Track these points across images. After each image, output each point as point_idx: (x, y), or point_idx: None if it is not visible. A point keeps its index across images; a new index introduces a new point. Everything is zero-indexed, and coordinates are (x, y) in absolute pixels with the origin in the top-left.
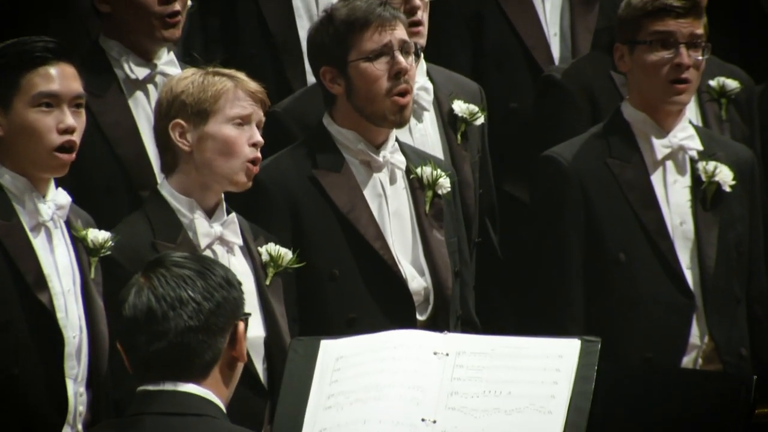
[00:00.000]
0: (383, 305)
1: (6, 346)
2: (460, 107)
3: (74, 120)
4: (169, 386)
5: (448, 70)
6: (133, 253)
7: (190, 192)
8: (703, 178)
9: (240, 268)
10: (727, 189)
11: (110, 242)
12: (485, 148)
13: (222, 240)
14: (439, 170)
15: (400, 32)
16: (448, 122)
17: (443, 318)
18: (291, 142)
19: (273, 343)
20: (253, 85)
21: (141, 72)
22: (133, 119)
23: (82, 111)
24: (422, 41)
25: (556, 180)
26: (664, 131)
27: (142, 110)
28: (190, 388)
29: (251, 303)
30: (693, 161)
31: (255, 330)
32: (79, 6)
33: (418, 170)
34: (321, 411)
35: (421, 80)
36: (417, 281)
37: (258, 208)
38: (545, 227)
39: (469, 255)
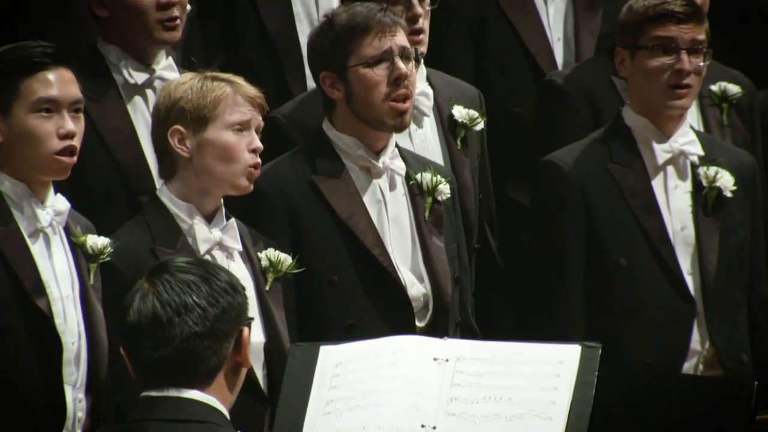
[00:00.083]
0: (382, 312)
1: (4, 352)
2: (460, 113)
3: (74, 125)
4: (173, 392)
5: (448, 75)
6: (132, 258)
7: (189, 197)
8: (704, 183)
9: (239, 273)
10: (728, 194)
11: (109, 248)
12: (484, 154)
13: (221, 245)
14: (438, 176)
15: (401, 38)
16: (448, 128)
17: (442, 324)
18: (291, 148)
19: (273, 349)
20: (251, 91)
21: (139, 77)
22: (132, 124)
23: (81, 116)
24: (423, 49)
25: (557, 185)
26: (665, 136)
27: (141, 115)
28: (194, 394)
29: (251, 309)
30: (694, 166)
31: (255, 336)
32: (77, 10)
33: (418, 176)
34: (320, 417)
35: (421, 85)
36: (416, 288)
37: (257, 214)
38: (546, 232)
39: (468, 261)
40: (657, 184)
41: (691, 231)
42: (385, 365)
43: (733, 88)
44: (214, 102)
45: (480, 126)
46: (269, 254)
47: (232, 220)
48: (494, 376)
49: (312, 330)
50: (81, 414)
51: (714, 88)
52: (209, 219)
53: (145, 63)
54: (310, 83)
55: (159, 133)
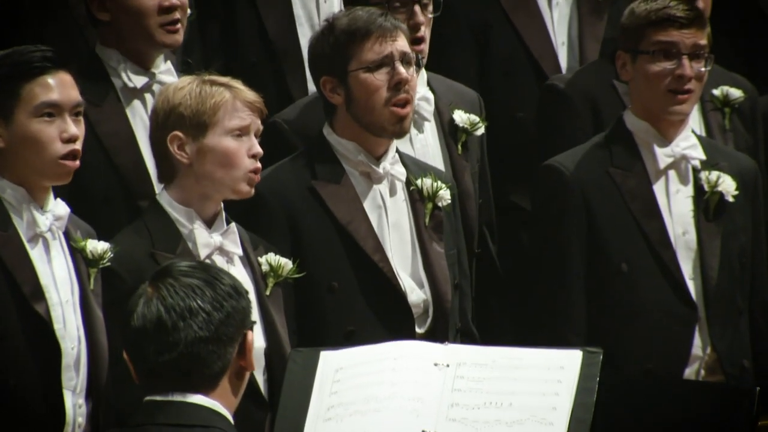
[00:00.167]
0: (382, 318)
1: (3, 358)
2: (460, 117)
3: (75, 128)
4: (177, 397)
5: (449, 80)
6: (132, 263)
7: (189, 202)
8: (706, 187)
9: (240, 278)
10: (730, 199)
11: (109, 253)
12: (484, 158)
13: (222, 250)
14: (439, 182)
15: (402, 43)
16: (449, 132)
17: (442, 330)
18: (292, 153)
19: (274, 354)
20: (250, 95)
21: (139, 80)
22: (131, 128)
23: (82, 119)
24: (423, 55)
25: (558, 189)
26: (666, 140)
27: (140, 119)
28: (198, 399)
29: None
30: (696, 171)
31: (256, 341)
32: (76, 14)
33: (418, 182)
34: (320, 422)
35: (422, 90)
36: (416, 293)
37: (257, 219)
38: (546, 236)
39: (469, 266)
40: (658, 188)
41: (692, 236)
42: (385, 371)
43: (736, 93)
44: (213, 108)
45: (481, 131)
46: (270, 259)
47: (233, 224)
48: (495, 382)
49: (311, 336)
50: (81, 419)
51: (716, 92)
52: (209, 223)
53: (145, 67)
54: (311, 87)
55: (157, 137)
